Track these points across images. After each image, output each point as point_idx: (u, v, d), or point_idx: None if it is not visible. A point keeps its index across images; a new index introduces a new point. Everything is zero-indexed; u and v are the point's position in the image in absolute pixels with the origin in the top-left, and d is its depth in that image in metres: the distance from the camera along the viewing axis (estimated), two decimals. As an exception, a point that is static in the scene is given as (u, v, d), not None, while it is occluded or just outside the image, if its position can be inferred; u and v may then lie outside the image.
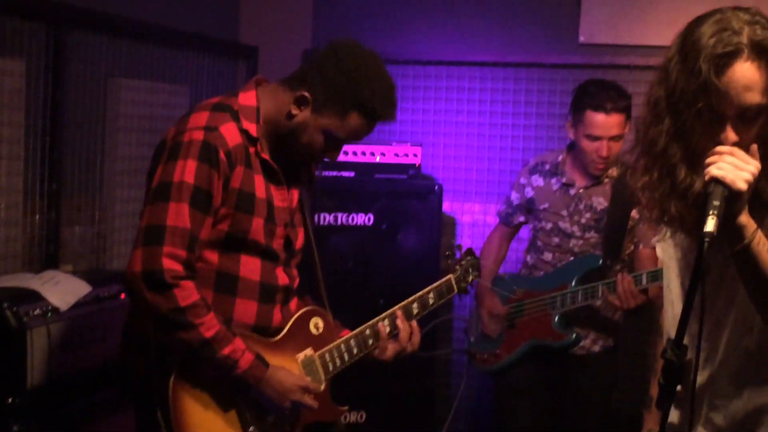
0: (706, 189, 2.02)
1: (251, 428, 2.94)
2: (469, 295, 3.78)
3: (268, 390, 2.90)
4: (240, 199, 2.86)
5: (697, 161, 2.10)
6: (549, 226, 4.43)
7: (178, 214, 2.74)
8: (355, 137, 3.01)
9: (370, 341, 3.21)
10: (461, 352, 4.72)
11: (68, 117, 4.09)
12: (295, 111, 2.92)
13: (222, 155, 2.79)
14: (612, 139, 4.18)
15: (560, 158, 4.45)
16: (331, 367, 3.15)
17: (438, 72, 5.43)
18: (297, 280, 3.15)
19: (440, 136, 5.45)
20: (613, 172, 4.33)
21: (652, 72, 2.23)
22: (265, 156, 2.93)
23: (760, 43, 2.06)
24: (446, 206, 5.20)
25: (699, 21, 2.13)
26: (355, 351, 3.18)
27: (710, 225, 1.96)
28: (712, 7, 2.15)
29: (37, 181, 3.97)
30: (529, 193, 4.50)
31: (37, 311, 3.38)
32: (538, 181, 4.49)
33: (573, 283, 4.32)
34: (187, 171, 2.76)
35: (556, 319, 4.36)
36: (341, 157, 3.29)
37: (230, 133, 2.83)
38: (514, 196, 4.58)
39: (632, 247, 4.40)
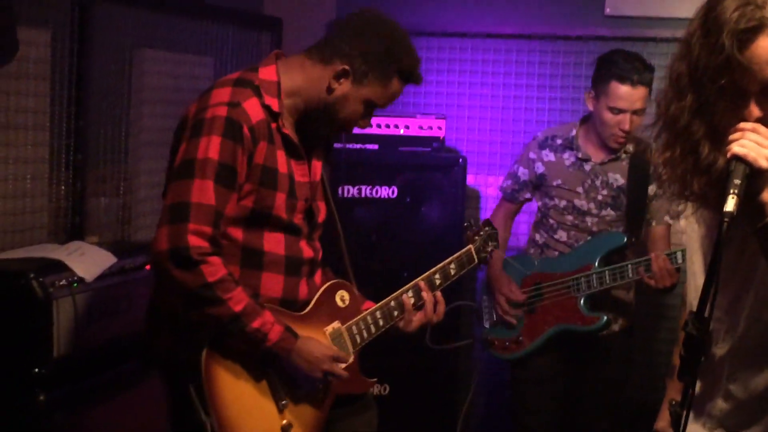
0: (728, 167, 2.00)
1: (283, 401, 2.96)
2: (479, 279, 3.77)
3: (299, 361, 2.91)
4: (264, 174, 2.86)
5: (720, 138, 2.08)
6: (563, 203, 4.33)
7: (203, 191, 2.74)
8: (393, 101, 3.06)
9: (396, 313, 3.22)
10: (481, 342, 4.59)
11: (93, 88, 4.10)
12: (334, 85, 2.93)
13: (246, 131, 2.79)
14: (635, 112, 4.11)
15: (573, 132, 4.35)
16: (358, 339, 3.16)
17: (462, 44, 5.40)
18: (321, 253, 3.16)
19: (464, 109, 5.43)
20: (630, 147, 4.25)
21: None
22: (287, 131, 2.93)
23: None
24: (470, 179, 5.19)
25: None
26: (381, 323, 3.20)
27: (730, 204, 1.95)
28: (736, -19, 2.12)
29: (63, 151, 3.98)
30: (540, 168, 4.39)
31: (63, 282, 3.40)
32: (549, 156, 4.37)
33: (597, 264, 4.22)
34: (212, 147, 2.75)
35: (582, 301, 4.25)
36: (365, 130, 3.30)
37: (253, 109, 2.83)
38: (522, 172, 4.46)
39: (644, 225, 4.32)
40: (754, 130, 2.02)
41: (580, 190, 4.30)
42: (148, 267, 3.73)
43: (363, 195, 4.83)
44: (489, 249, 3.52)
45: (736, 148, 2.00)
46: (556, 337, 4.34)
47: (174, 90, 4.61)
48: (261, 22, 5.45)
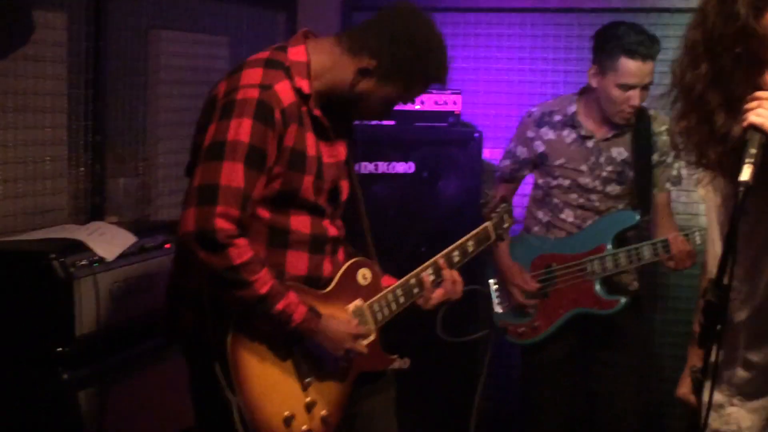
0: (744, 135, 2.00)
1: (307, 379, 2.98)
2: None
3: (323, 340, 2.93)
4: (293, 157, 2.86)
5: (735, 107, 2.08)
6: (567, 183, 4.24)
7: (232, 174, 2.72)
8: (411, 102, 3.09)
9: (416, 290, 3.22)
10: (498, 332, 4.50)
11: (110, 69, 4.11)
12: (358, 79, 2.92)
13: (277, 114, 2.78)
14: (644, 87, 4.02)
15: (573, 108, 4.24)
16: (380, 317, 3.17)
17: (477, 19, 5.40)
18: (344, 230, 3.17)
19: (479, 84, 5.42)
20: (632, 118, 4.14)
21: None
22: (317, 113, 2.92)
23: None
24: (486, 153, 5.18)
25: None
26: (401, 300, 3.20)
27: (746, 174, 1.95)
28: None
29: (81, 133, 4.00)
30: (540, 147, 4.30)
31: (84, 262, 3.41)
32: (548, 134, 4.28)
33: (609, 245, 4.16)
34: (242, 130, 2.74)
35: (598, 285, 4.19)
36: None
37: (285, 92, 2.82)
38: (520, 150, 4.37)
39: None
40: None
41: (584, 168, 4.21)
42: (168, 245, 3.75)
43: (380, 171, 4.83)
44: (506, 225, 3.51)
45: (752, 117, 2.00)
46: (573, 322, 4.28)
47: (190, 70, 4.62)
48: (276, 2, 5.45)
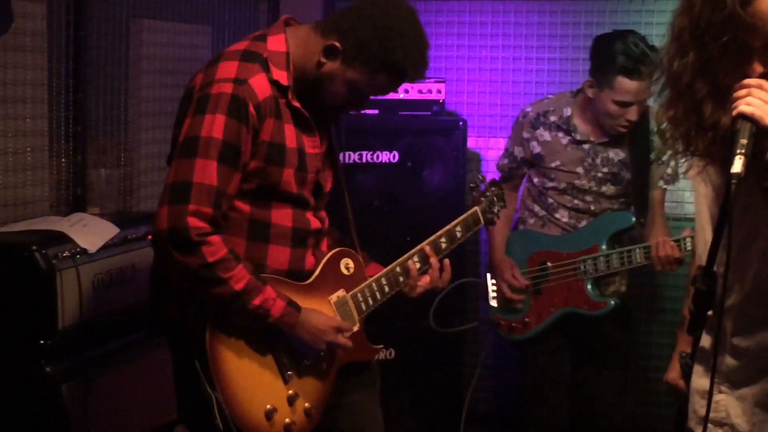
0: (734, 125, 1.98)
1: (289, 372, 2.96)
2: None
3: (303, 333, 2.91)
4: (270, 151, 2.83)
5: (723, 96, 2.05)
6: (562, 185, 4.22)
7: (205, 171, 2.71)
8: (379, 94, 3.00)
9: (401, 279, 3.20)
10: (487, 324, 4.54)
11: (91, 59, 4.08)
12: (323, 60, 2.88)
13: (252, 109, 2.76)
14: (641, 102, 3.98)
15: (568, 112, 4.20)
16: (364, 307, 3.15)
17: (461, 7, 5.38)
18: (327, 222, 3.15)
19: (464, 72, 5.41)
20: None
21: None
22: (297, 104, 2.89)
23: None
24: (471, 142, 5.18)
25: None
26: (386, 289, 3.18)
27: (737, 166, 1.92)
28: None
29: (62, 124, 3.97)
30: (536, 148, 4.27)
31: (66, 253, 3.39)
32: (543, 135, 4.24)
33: (604, 245, 4.16)
34: (216, 126, 2.72)
35: (590, 285, 4.20)
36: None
37: (260, 86, 2.79)
38: (518, 150, 4.35)
39: None
40: (760, 87, 1.99)
41: (580, 170, 4.19)
42: (150, 237, 3.73)
43: (364, 160, 4.82)
44: (495, 210, 3.49)
45: (742, 107, 1.97)
46: (562, 319, 4.28)
47: (172, 60, 4.59)
48: (258, -10, 5.43)
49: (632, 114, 3.99)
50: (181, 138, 2.77)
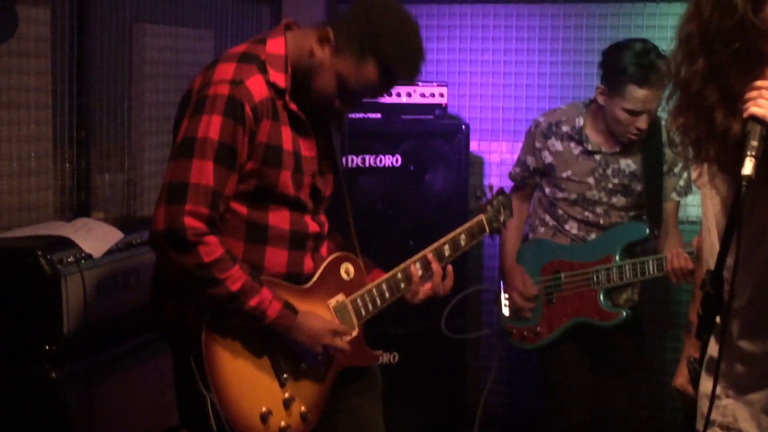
0: (745, 127, 1.96)
1: (285, 375, 2.96)
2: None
3: (299, 336, 2.91)
4: (267, 153, 2.83)
5: (734, 103, 2.02)
6: (573, 196, 4.20)
7: (202, 172, 2.72)
8: (369, 92, 2.97)
9: (402, 284, 3.19)
10: (496, 334, 4.53)
11: (94, 64, 4.08)
12: (316, 48, 2.89)
13: (248, 110, 2.76)
14: (652, 110, 3.96)
15: (580, 122, 4.18)
16: (363, 312, 3.15)
17: (462, 11, 5.37)
18: (326, 226, 3.15)
19: (466, 76, 5.41)
20: None
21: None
22: (293, 107, 2.89)
23: None
24: (473, 146, 5.18)
25: None
26: (387, 295, 3.18)
27: (748, 167, 1.91)
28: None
29: (66, 129, 3.98)
30: (548, 158, 4.24)
31: (71, 258, 3.40)
32: (555, 145, 4.21)
33: (618, 256, 4.13)
34: (212, 127, 2.73)
35: (602, 296, 4.17)
36: (367, 99, 3.25)
37: (256, 87, 2.79)
38: (530, 160, 4.32)
39: None
40: None
41: (591, 180, 4.17)
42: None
43: (367, 164, 4.82)
44: (502, 219, 3.48)
45: (753, 108, 1.95)
46: (574, 329, 4.25)
47: (175, 64, 4.60)
48: (260, -5, 5.43)
49: (642, 122, 3.97)
50: (178, 139, 2.79)
